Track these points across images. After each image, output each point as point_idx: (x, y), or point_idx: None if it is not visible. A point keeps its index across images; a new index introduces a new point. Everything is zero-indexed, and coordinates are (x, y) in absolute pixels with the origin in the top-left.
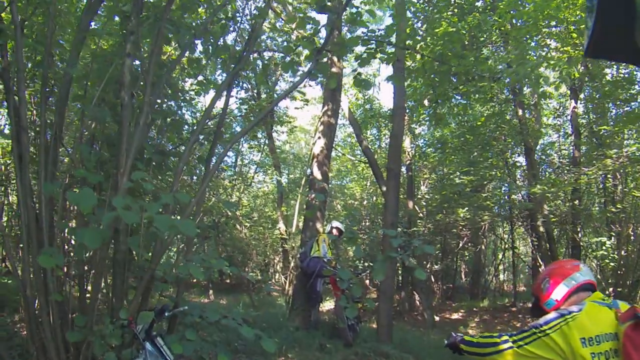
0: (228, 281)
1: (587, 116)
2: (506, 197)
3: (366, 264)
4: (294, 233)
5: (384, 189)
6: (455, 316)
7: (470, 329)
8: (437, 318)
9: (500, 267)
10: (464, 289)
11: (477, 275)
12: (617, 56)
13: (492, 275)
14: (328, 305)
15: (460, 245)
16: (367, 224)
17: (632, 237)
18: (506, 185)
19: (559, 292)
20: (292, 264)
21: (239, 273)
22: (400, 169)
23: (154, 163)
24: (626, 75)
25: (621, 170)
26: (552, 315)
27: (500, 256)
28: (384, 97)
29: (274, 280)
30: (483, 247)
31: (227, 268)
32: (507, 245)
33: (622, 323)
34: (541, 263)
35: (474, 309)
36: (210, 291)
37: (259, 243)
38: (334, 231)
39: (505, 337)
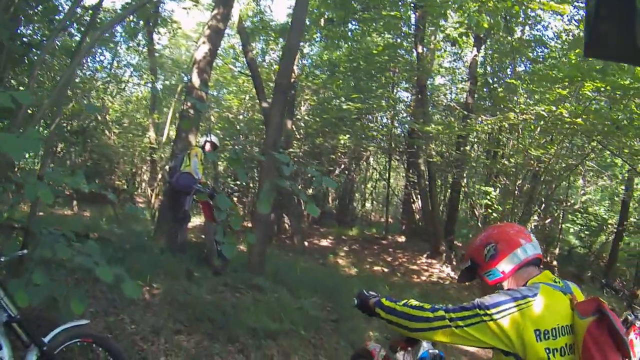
0: (94, 190)
1: (485, 67)
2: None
3: (238, 182)
4: (164, 143)
5: (264, 104)
6: (324, 242)
7: (340, 259)
8: (306, 243)
9: (369, 196)
10: (332, 215)
11: (346, 202)
12: (617, 56)
13: (360, 204)
14: (197, 220)
15: (337, 172)
16: (242, 138)
17: (516, 193)
18: (393, 119)
19: (507, 263)
20: (159, 176)
21: (99, 191)
22: (290, 85)
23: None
24: (538, 35)
25: (520, 127)
26: (501, 296)
27: (369, 186)
28: (278, 10)
29: (140, 191)
30: (354, 175)
31: (85, 186)
32: (378, 177)
33: (583, 317)
34: (415, 199)
35: (343, 237)
36: (75, 202)
37: (127, 151)
38: (207, 145)
39: (441, 313)
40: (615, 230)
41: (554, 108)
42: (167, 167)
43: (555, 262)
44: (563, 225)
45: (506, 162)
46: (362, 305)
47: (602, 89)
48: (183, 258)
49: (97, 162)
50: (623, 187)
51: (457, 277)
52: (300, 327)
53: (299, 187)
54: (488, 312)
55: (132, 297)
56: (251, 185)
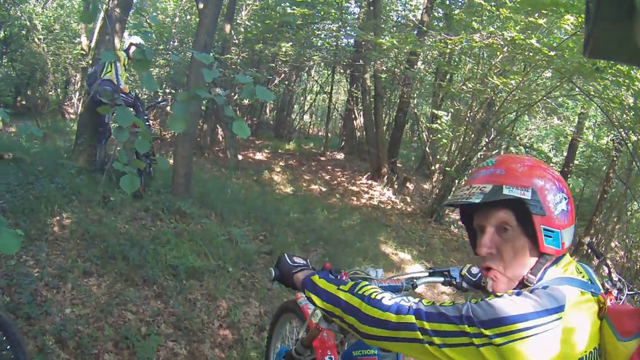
0: (23, 102)
1: None
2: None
3: (169, 90)
4: (93, 48)
5: (201, 5)
6: (259, 156)
7: (275, 175)
8: (240, 157)
9: (308, 109)
10: (269, 126)
11: (284, 114)
12: (617, 56)
13: (298, 116)
14: None
15: (276, 81)
16: (176, 44)
17: (468, 120)
18: (341, 30)
19: (569, 236)
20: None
21: (4, 117)
22: None
23: None
24: None
25: (485, 52)
26: (509, 307)
27: (309, 99)
28: None
29: (71, 102)
30: (294, 86)
31: None
32: (319, 90)
33: (625, 338)
34: (357, 116)
35: (279, 151)
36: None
37: (58, 59)
38: (132, 48)
39: (409, 318)
40: (560, 170)
41: (522, 36)
42: (86, 76)
43: None
44: None
45: (464, 87)
46: (284, 279)
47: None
48: (100, 179)
49: (25, 74)
50: (572, 128)
51: (452, 199)
52: (229, 263)
53: (233, 97)
54: (484, 331)
55: (8, 253)
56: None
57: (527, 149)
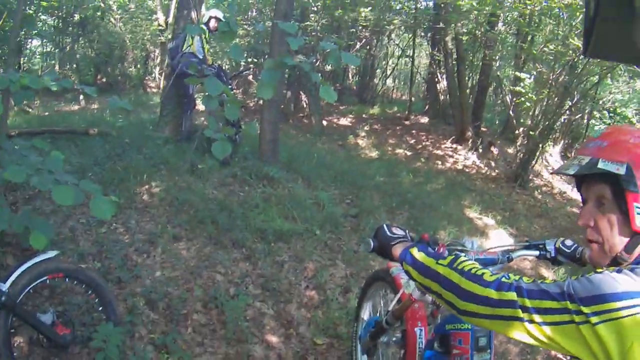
0: (104, 80)
1: None
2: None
3: (250, 59)
4: (171, 23)
5: None
6: (343, 121)
7: (360, 140)
8: (324, 123)
9: (390, 74)
10: (352, 91)
11: (367, 79)
12: (617, 56)
13: (380, 80)
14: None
15: (357, 46)
16: (254, 14)
17: (551, 83)
18: None
19: None
20: (166, 60)
21: (73, 86)
22: None
23: None
24: None
25: (565, 12)
26: (610, 284)
27: (390, 62)
28: None
29: (153, 76)
30: (376, 50)
31: (53, 84)
32: (400, 54)
33: None
34: (440, 79)
35: (364, 115)
36: (82, 96)
37: (136, 36)
38: (212, 22)
39: (511, 295)
40: None
41: None
42: (167, 49)
43: None
44: (589, 122)
45: (545, 49)
46: (382, 251)
47: None
48: (187, 148)
49: (103, 52)
50: None
51: (556, 169)
52: (316, 226)
53: (316, 64)
54: (583, 309)
55: (103, 218)
56: (264, 60)
57: (610, 114)
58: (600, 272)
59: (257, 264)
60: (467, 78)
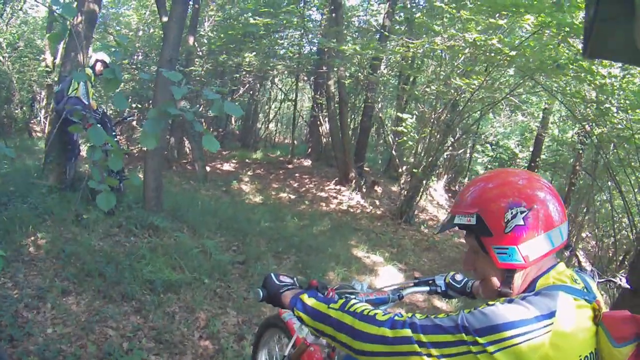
0: None
1: None
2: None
3: (135, 105)
4: (58, 64)
5: (165, 19)
6: (226, 167)
7: (244, 185)
8: (207, 168)
9: (273, 118)
10: (235, 136)
11: (249, 123)
12: (616, 56)
13: (263, 124)
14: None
15: (241, 91)
16: (140, 57)
17: (433, 121)
18: (304, 38)
19: (535, 246)
20: (52, 104)
21: None
22: None
23: None
24: None
25: (447, 54)
26: (500, 315)
27: (273, 106)
28: None
29: (39, 119)
30: (258, 95)
31: None
32: (283, 97)
33: (619, 344)
34: (322, 122)
35: (247, 160)
36: None
37: (23, 76)
38: (98, 65)
39: (405, 332)
40: (527, 165)
41: (483, 37)
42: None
43: None
44: (472, 156)
45: (427, 90)
46: (271, 299)
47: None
48: (73, 197)
49: None
50: (537, 124)
51: (439, 227)
52: (204, 275)
53: (200, 111)
54: (479, 340)
55: None
56: (148, 106)
57: (492, 147)
58: (493, 304)
59: (148, 316)
60: (349, 120)
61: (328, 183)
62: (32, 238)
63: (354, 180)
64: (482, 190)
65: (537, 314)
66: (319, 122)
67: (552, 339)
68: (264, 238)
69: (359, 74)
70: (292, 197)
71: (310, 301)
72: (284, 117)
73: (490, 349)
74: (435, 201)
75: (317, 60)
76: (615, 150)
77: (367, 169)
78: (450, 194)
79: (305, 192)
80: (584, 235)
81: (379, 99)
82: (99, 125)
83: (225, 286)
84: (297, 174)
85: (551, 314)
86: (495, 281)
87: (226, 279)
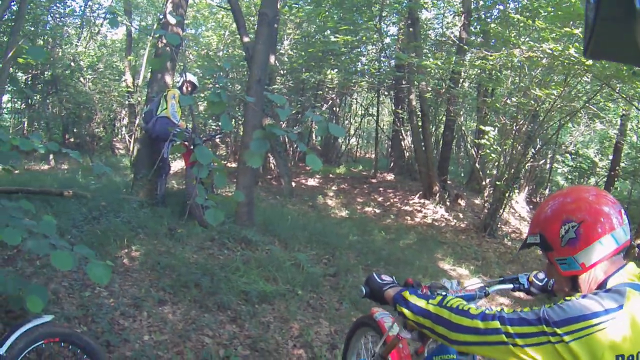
0: (72, 140)
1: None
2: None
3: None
4: (140, 86)
5: (245, 39)
6: (311, 182)
7: (329, 199)
8: (293, 184)
9: (354, 133)
10: (317, 152)
11: (331, 139)
12: (617, 57)
13: (345, 140)
14: (179, 164)
15: (324, 107)
16: (223, 76)
17: (514, 133)
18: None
19: (590, 254)
20: (137, 121)
21: (59, 150)
22: (277, 15)
23: None
24: None
25: (526, 65)
26: (575, 309)
27: (354, 121)
28: None
29: (120, 137)
30: (337, 109)
31: (40, 146)
32: (364, 112)
33: None
34: (404, 137)
35: (330, 175)
36: (51, 156)
37: (104, 97)
38: (186, 85)
39: (495, 324)
40: (606, 174)
41: (560, 47)
42: (141, 113)
43: None
44: (552, 166)
45: (508, 102)
46: (374, 296)
47: None
48: (164, 212)
49: (73, 112)
50: (615, 132)
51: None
52: (298, 287)
53: (293, 132)
54: (557, 330)
55: (101, 282)
56: (233, 124)
57: (572, 156)
58: (569, 300)
59: (244, 325)
60: (433, 135)
61: (412, 197)
62: (126, 250)
63: (437, 194)
64: (541, 212)
65: (607, 307)
66: (400, 136)
67: (621, 329)
68: (353, 251)
69: (440, 87)
70: (377, 211)
71: (411, 298)
72: (364, 132)
73: (567, 338)
74: (518, 213)
75: (397, 75)
76: None
77: (449, 182)
78: (532, 206)
79: (390, 206)
80: None
81: (461, 112)
82: (204, 147)
83: (318, 297)
84: (380, 188)
85: (619, 307)
86: (565, 285)
87: (318, 290)
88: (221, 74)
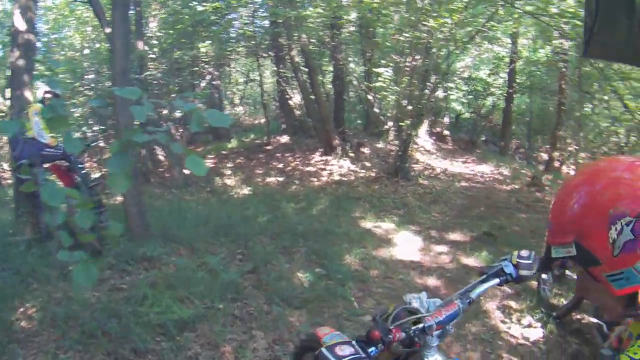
0: None
1: None
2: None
3: (96, 128)
4: (9, 106)
5: (107, 30)
6: (206, 163)
7: (227, 179)
8: (186, 172)
9: (237, 100)
10: (204, 129)
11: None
12: (617, 56)
13: (230, 111)
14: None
15: (204, 84)
16: (92, 76)
17: (410, 69)
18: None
19: None
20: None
21: None
22: None
23: None
24: None
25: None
26: None
27: (237, 91)
28: None
29: (2, 168)
30: (219, 82)
31: None
32: (245, 79)
33: None
34: (292, 95)
35: (223, 152)
36: None
37: None
38: (47, 96)
39: None
40: (506, 93)
41: None
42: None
43: (446, 132)
44: (447, 94)
45: (400, 38)
46: None
47: None
48: (53, 247)
49: None
50: (507, 51)
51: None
52: (216, 300)
53: (162, 113)
54: None
55: None
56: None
57: (464, 81)
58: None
59: None
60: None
61: (312, 156)
62: (22, 309)
63: (338, 147)
64: (565, 209)
65: None
66: (287, 96)
67: None
68: (266, 236)
69: (323, 37)
70: (280, 179)
71: None
72: (250, 99)
73: None
74: (422, 147)
75: (274, 33)
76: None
77: (348, 132)
78: (434, 137)
79: (292, 170)
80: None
81: (348, 59)
82: (53, 183)
83: (242, 305)
84: (278, 154)
85: None
86: (618, 306)
87: (240, 296)
88: (87, 73)
